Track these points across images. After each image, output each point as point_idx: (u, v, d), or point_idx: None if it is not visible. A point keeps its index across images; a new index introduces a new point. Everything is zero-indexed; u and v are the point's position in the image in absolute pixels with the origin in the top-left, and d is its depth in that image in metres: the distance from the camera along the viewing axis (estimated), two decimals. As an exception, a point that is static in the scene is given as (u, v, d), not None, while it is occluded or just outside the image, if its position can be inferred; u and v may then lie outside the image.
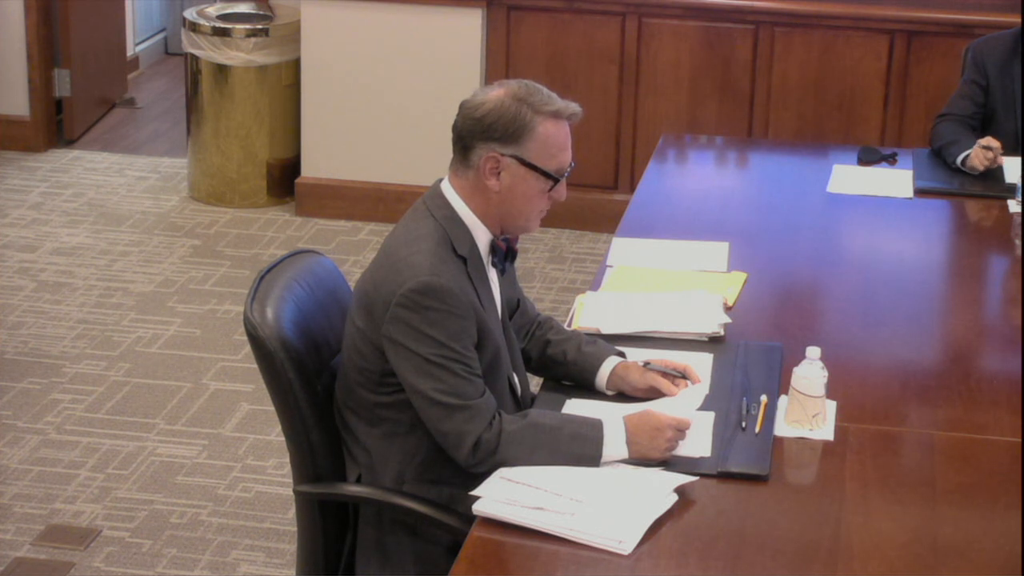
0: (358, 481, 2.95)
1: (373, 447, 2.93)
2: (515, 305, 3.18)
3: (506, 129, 2.83)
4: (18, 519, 4.17)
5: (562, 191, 2.92)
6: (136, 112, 7.80)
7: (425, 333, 2.78)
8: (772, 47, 6.12)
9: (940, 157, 4.64)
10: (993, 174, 4.48)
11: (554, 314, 4.45)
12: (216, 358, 5.15)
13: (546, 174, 2.87)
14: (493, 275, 2.99)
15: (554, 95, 2.89)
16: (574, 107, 2.90)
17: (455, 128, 2.89)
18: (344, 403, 2.98)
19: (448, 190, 2.92)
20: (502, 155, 2.85)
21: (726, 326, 3.38)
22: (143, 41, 8.57)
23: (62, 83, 7.17)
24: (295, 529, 3.14)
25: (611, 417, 2.83)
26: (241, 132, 6.47)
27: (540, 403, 3.06)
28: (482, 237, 2.93)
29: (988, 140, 4.46)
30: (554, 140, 2.87)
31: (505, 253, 2.97)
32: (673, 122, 6.22)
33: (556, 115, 2.86)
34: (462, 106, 2.89)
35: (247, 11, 6.65)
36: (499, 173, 2.86)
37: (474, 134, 2.86)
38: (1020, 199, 4.24)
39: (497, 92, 2.87)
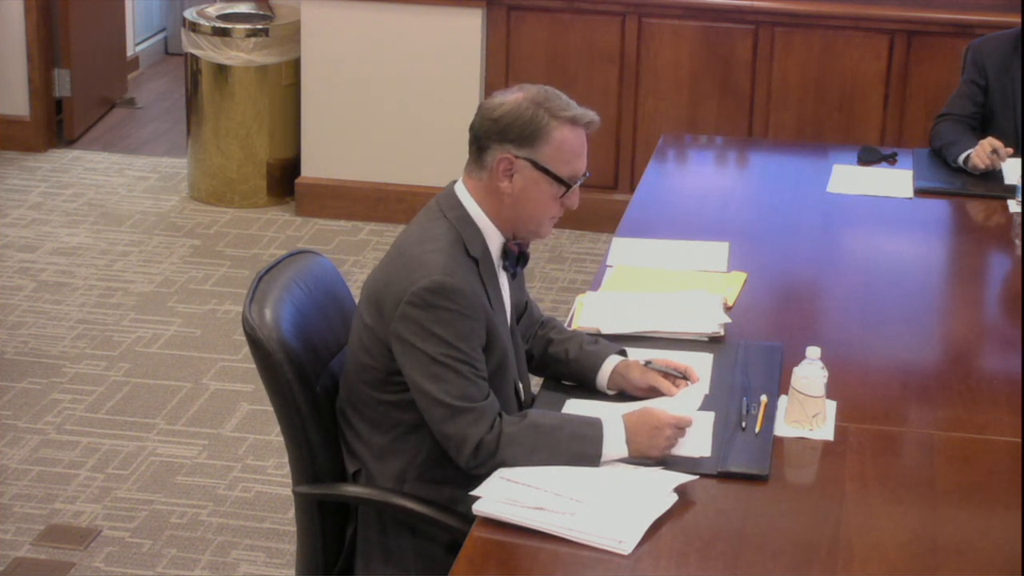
0: (355, 476, 2.95)
1: (376, 446, 2.93)
2: (523, 308, 3.19)
3: (522, 131, 2.84)
4: (18, 519, 4.17)
5: (574, 199, 2.94)
6: (136, 112, 7.80)
7: (433, 332, 2.78)
8: (772, 47, 6.12)
9: (940, 157, 4.64)
10: (993, 174, 4.48)
11: (554, 314, 4.44)
12: (216, 358, 5.14)
13: (558, 179, 2.88)
14: (503, 279, 2.99)
15: (572, 102, 2.91)
16: (592, 115, 2.91)
17: (472, 129, 2.90)
18: (347, 401, 2.97)
19: (462, 191, 2.92)
20: (516, 157, 2.85)
21: (726, 326, 3.38)
22: (143, 41, 8.57)
23: (62, 83, 7.17)
24: (295, 529, 3.14)
25: (610, 416, 2.83)
26: (241, 132, 6.47)
27: (540, 403, 3.05)
28: (494, 240, 2.93)
29: (995, 143, 4.45)
30: (569, 146, 2.88)
31: (517, 257, 2.97)
32: (673, 122, 6.22)
33: (573, 121, 2.88)
34: (481, 107, 2.91)
35: (247, 11, 6.65)
36: (512, 175, 2.86)
37: (490, 135, 2.86)
38: (1020, 199, 4.24)
39: (516, 95, 2.88)
